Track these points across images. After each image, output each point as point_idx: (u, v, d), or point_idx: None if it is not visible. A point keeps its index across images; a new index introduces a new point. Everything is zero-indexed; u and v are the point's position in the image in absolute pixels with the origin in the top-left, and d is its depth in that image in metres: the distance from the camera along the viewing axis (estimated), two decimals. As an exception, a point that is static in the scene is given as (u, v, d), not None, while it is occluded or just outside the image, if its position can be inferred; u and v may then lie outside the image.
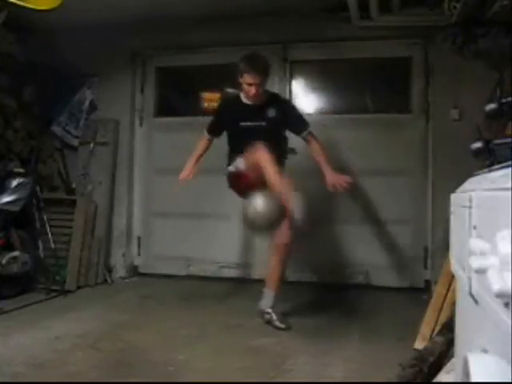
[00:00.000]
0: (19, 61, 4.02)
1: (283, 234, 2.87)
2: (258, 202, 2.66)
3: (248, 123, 2.98)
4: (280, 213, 2.64)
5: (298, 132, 3.12)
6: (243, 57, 2.97)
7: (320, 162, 3.00)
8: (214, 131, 3.22)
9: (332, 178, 2.90)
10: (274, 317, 2.91)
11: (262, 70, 2.91)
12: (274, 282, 3.00)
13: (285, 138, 3.19)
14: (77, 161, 4.40)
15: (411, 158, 3.89)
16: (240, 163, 2.93)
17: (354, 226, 3.97)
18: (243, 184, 2.91)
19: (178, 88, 4.65)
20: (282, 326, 2.88)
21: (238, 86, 3.07)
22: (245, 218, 2.75)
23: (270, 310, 2.94)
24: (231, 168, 3.03)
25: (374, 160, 3.93)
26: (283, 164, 3.10)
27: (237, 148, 3.00)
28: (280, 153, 3.04)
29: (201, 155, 3.25)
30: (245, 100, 3.03)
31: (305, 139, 3.11)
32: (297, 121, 3.11)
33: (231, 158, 3.07)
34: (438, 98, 3.77)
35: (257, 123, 2.97)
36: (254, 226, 2.78)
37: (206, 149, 3.26)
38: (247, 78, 2.88)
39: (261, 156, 2.70)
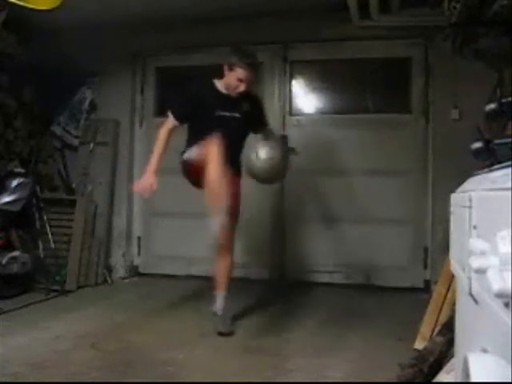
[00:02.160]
0: (19, 61, 4.02)
1: (228, 234, 2.76)
2: (262, 151, 2.65)
3: (223, 113, 2.86)
4: (285, 158, 2.69)
5: (260, 127, 3.09)
6: (238, 51, 2.86)
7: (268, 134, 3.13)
8: (183, 117, 2.92)
9: None
10: (221, 319, 2.81)
11: (256, 69, 2.88)
12: (225, 284, 2.90)
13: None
14: (77, 161, 4.40)
15: (411, 158, 3.89)
16: (193, 152, 2.77)
17: (354, 225, 3.97)
18: (193, 175, 2.79)
19: (178, 88, 4.64)
20: (224, 330, 2.76)
21: (219, 74, 2.91)
22: (250, 170, 2.72)
23: (221, 313, 2.83)
24: (186, 156, 2.85)
25: (374, 160, 3.93)
26: (239, 163, 3.00)
27: (202, 136, 2.79)
28: (240, 150, 2.98)
29: (164, 152, 2.90)
30: (221, 89, 2.90)
31: (263, 134, 3.12)
32: (263, 119, 3.13)
33: (190, 145, 2.88)
34: (437, 98, 3.77)
35: (232, 114, 2.87)
36: (259, 176, 2.77)
37: (169, 142, 2.92)
38: (240, 74, 2.78)
39: (211, 150, 2.56)
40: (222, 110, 2.86)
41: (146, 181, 2.85)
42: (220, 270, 2.93)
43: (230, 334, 2.77)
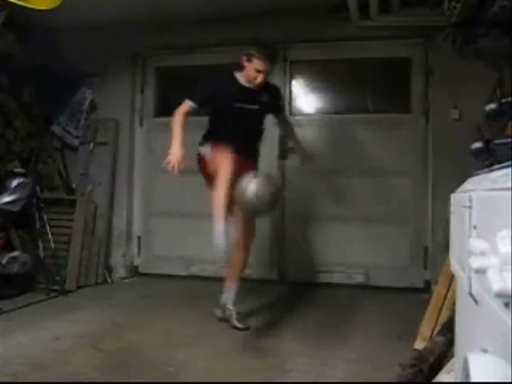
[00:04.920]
0: (19, 61, 4.01)
1: (249, 232, 2.98)
2: (252, 186, 2.62)
3: (243, 105, 2.88)
4: (277, 192, 2.74)
5: (276, 114, 3.17)
6: (256, 41, 2.88)
7: (295, 141, 3.33)
8: (201, 102, 2.91)
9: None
10: (234, 315, 2.88)
11: (274, 59, 2.87)
12: (237, 278, 2.97)
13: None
14: (77, 161, 4.40)
15: (411, 158, 3.89)
16: (209, 151, 2.88)
17: (354, 225, 3.97)
18: (205, 172, 2.92)
19: (178, 88, 4.65)
20: (240, 325, 2.85)
21: (239, 67, 2.91)
22: (243, 202, 2.69)
23: (231, 307, 2.90)
24: (202, 150, 2.93)
25: (374, 160, 3.93)
26: (258, 154, 3.06)
27: (221, 127, 2.92)
28: (258, 138, 3.04)
29: (184, 129, 2.84)
30: (241, 81, 2.92)
31: (279, 119, 3.23)
32: (280, 106, 3.19)
33: (209, 137, 2.95)
34: (437, 98, 3.77)
35: (251, 106, 2.90)
36: (253, 208, 2.73)
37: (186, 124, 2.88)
38: (258, 65, 2.80)
39: (222, 164, 2.69)
40: (241, 102, 2.88)
41: (173, 156, 2.71)
42: (234, 265, 3.00)
43: (247, 329, 2.84)
